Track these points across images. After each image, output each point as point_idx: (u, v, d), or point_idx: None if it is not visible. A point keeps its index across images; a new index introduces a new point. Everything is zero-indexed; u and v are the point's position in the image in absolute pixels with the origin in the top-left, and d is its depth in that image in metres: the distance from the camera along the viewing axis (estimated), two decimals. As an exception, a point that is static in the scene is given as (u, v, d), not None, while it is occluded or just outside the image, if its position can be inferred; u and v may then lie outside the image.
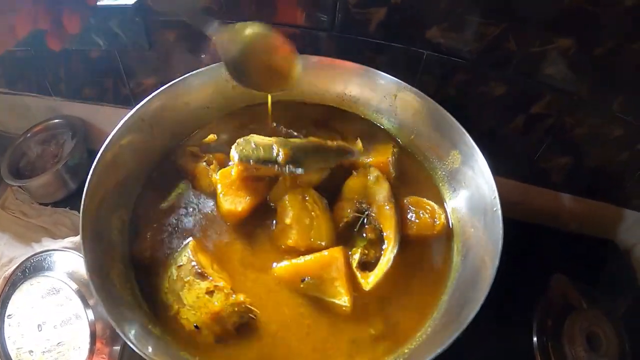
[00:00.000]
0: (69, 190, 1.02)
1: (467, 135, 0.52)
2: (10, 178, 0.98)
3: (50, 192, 1.01)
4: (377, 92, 0.62)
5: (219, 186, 0.51)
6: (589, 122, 0.77)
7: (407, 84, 0.60)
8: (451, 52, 0.72)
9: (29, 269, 0.82)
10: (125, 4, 0.82)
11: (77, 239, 0.86)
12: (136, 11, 0.81)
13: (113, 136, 0.52)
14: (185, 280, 0.44)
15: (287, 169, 0.48)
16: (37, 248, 0.90)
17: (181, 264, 0.45)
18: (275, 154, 0.49)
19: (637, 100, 0.73)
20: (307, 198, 0.48)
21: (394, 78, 0.61)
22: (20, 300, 0.78)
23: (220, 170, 0.52)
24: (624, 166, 0.83)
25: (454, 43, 0.71)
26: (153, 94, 0.59)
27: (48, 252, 0.82)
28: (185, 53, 0.85)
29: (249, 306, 0.42)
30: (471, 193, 0.52)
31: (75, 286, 0.78)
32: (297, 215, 0.46)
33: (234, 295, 0.42)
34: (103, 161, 0.48)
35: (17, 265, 0.83)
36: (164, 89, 0.60)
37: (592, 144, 0.81)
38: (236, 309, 0.42)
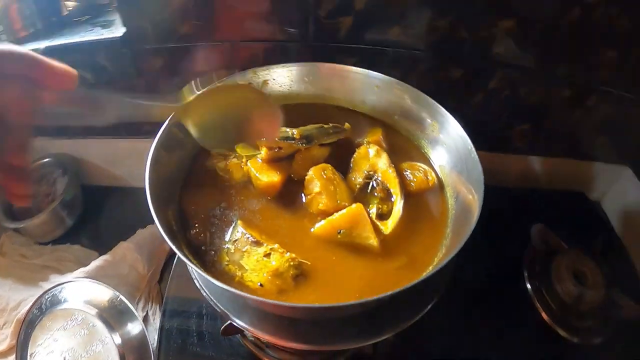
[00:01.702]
0: (66, 227, 1.15)
1: (440, 107, 0.72)
2: (6, 221, 1.07)
3: (49, 230, 1.12)
4: (364, 86, 0.81)
5: (252, 170, 0.68)
6: (540, 89, 1.01)
7: (383, 75, 0.79)
8: (412, 46, 0.94)
9: (46, 305, 0.90)
10: (113, 37, 0.93)
11: (89, 268, 1.01)
12: (123, 42, 0.92)
13: (156, 143, 0.67)
14: (243, 250, 0.60)
15: (301, 142, 0.68)
16: (46, 286, 0.99)
17: (236, 238, 0.60)
18: (290, 134, 0.68)
19: (576, 64, 0.97)
20: (326, 172, 0.66)
21: (376, 73, 0.79)
22: (42, 337, 0.87)
23: (249, 160, 0.69)
24: (578, 122, 1.08)
25: (413, 38, 0.92)
26: None
27: (62, 285, 0.93)
28: (173, 76, 0.99)
29: (301, 260, 0.59)
30: (451, 150, 0.71)
31: (95, 311, 0.89)
32: (324, 185, 0.64)
33: (287, 253, 0.58)
34: (151, 164, 0.65)
35: (32, 303, 0.91)
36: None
37: (547, 107, 1.05)
38: (291, 263, 0.57)
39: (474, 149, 0.64)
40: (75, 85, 0.46)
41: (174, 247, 0.52)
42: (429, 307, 0.63)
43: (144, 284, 1.07)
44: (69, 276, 1.01)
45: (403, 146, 0.78)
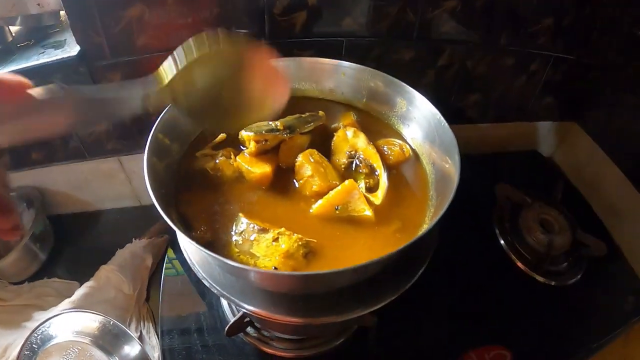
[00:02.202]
0: (40, 262, 1.15)
1: (405, 84, 0.81)
2: (-26, 265, 1.03)
3: (23, 268, 1.12)
4: (331, 75, 0.90)
5: (242, 165, 0.74)
6: (485, 60, 1.13)
7: (349, 62, 0.87)
8: (365, 34, 1.02)
9: (37, 344, 0.90)
10: (69, 56, 0.94)
11: (75, 297, 1.02)
12: (80, 60, 0.94)
13: (147, 154, 0.70)
14: (251, 239, 0.65)
15: (285, 133, 0.75)
16: (31, 325, 0.98)
17: (242, 230, 0.66)
18: (274, 126, 0.75)
19: (516, 33, 1.09)
20: (313, 156, 0.74)
21: (338, 60, 0.88)
22: (39, 376, 0.85)
23: (238, 156, 0.76)
24: (524, 87, 1.21)
25: (365, 27, 1.00)
26: (162, 112, 0.75)
27: (49, 321, 0.92)
28: None
29: (307, 239, 0.65)
30: (421, 122, 0.81)
31: (89, 339, 0.92)
32: (314, 168, 0.72)
33: (294, 235, 0.64)
34: (148, 174, 0.69)
35: (21, 345, 0.89)
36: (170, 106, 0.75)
37: (494, 76, 1.18)
38: (299, 243, 0.64)
39: (443, 119, 0.74)
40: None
41: (194, 244, 0.57)
42: (423, 268, 0.71)
43: (133, 304, 1.08)
44: (54, 310, 1.02)
45: (375, 126, 0.87)
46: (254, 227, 0.67)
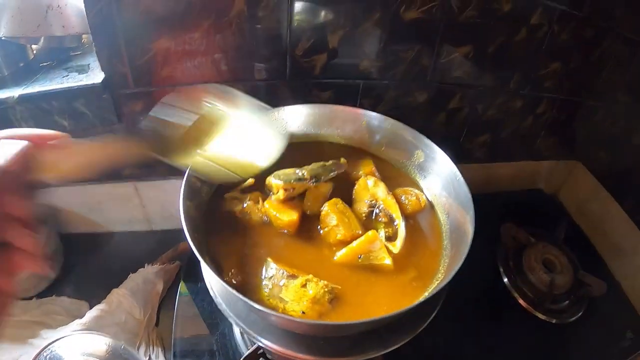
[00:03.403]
0: (50, 279, 1.21)
1: (424, 137, 0.92)
2: (-15, 279, 1.14)
3: (33, 285, 1.19)
4: (351, 122, 1.01)
5: (271, 211, 0.83)
6: (495, 103, 1.25)
7: (371, 111, 0.98)
8: (381, 77, 1.12)
9: None
10: (93, 83, 0.99)
11: (86, 319, 1.09)
12: (104, 88, 0.99)
13: (182, 196, 0.80)
14: (280, 285, 0.75)
15: (311, 181, 0.85)
16: (37, 343, 1.04)
17: (271, 275, 0.76)
18: (301, 175, 0.85)
19: (526, 78, 1.21)
20: (338, 205, 0.84)
21: (359, 109, 0.99)
22: (47, 398, 0.91)
23: (266, 201, 0.85)
24: (531, 128, 1.33)
25: (382, 70, 1.11)
26: None
27: (59, 341, 0.97)
28: None
29: (333, 285, 0.75)
30: (438, 175, 0.91)
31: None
32: (339, 218, 0.82)
33: (320, 282, 0.74)
34: (185, 218, 0.79)
35: None
36: None
37: (502, 118, 1.29)
38: (326, 289, 0.73)
39: (459, 173, 0.85)
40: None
41: (229, 288, 0.66)
42: (436, 311, 0.81)
43: (143, 329, 1.16)
44: (64, 330, 1.08)
45: (393, 174, 0.99)
46: (283, 273, 0.77)
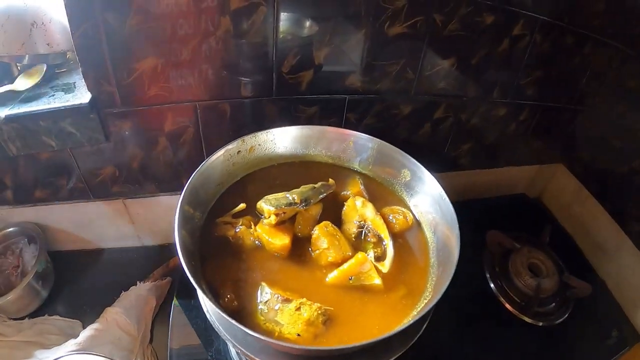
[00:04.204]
0: (42, 299, 1.25)
1: (411, 157, 0.97)
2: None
3: (25, 305, 1.22)
4: (338, 142, 1.06)
5: (263, 235, 0.88)
6: (479, 112, 1.30)
7: (357, 132, 1.03)
8: (366, 91, 1.17)
9: None
10: (80, 103, 1.00)
11: (80, 339, 1.12)
12: (91, 108, 1.01)
13: (177, 227, 0.82)
14: (275, 309, 0.80)
15: (301, 205, 0.90)
16: None
17: (266, 299, 0.81)
18: (291, 199, 0.90)
19: (508, 86, 1.27)
20: (328, 228, 0.89)
21: (347, 130, 1.03)
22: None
23: (257, 226, 0.90)
24: (514, 134, 1.39)
25: (367, 84, 1.15)
26: (187, 184, 0.88)
27: None
28: (142, 136, 1.12)
29: (326, 307, 0.80)
30: (424, 193, 0.97)
31: None
32: (329, 241, 0.87)
33: (314, 304, 0.79)
34: (180, 247, 0.83)
35: None
36: (194, 176, 0.90)
37: (486, 126, 1.35)
38: (319, 311, 0.78)
39: (445, 194, 0.91)
40: None
41: (226, 317, 0.71)
42: (426, 324, 0.87)
43: (137, 347, 1.20)
44: (59, 350, 1.11)
45: (380, 192, 1.05)
46: (277, 297, 0.82)
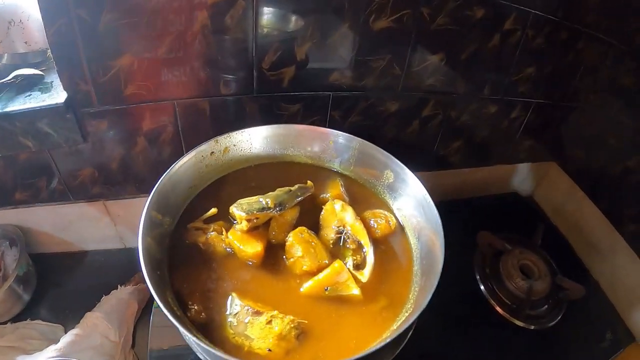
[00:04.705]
0: (24, 302, 1.19)
1: (394, 158, 0.88)
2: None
3: (6, 309, 1.16)
4: (318, 142, 0.96)
5: (235, 243, 0.79)
6: (468, 110, 1.21)
7: (338, 131, 0.94)
8: (351, 88, 1.09)
9: None
10: (56, 103, 0.95)
11: (61, 345, 1.06)
12: (67, 108, 0.96)
13: (142, 234, 0.75)
14: (245, 322, 0.71)
15: (276, 210, 0.81)
16: None
17: (236, 312, 0.72)
18: (265, 204, 0.80)
19: (500, 83, 1.18)
20: (303, 235, 0.80)
21: (327, 129, 0.94)
22: None
23: (229, 232, 0.81)
24: (506, 132, 1.30)
25: (352, 81, 1.07)
26: (154, 188, 0.81)
27: None
28: (120, 136, 1.06)
29: (299, 320, 0.71)
30: (407, 196, 0.88)
31: None
32: (304, 249, 0.78)
33: (286, 317, 0.71)
34: (144, 256, 0.74)
35: None
36: (162, 180, 0.83)
37: (477, 124, 1.26)
38: (292, 325, 0.70)
39: (429, 197, 0.81)
40: None
41: (188, 335, 0.63)
42: (411, 331, 0.80)
43: (119, 352, 1.14)
44: (40, 356, 1.05)
45: (362, 194, 0.95)
46: (248, 309, 0.73)
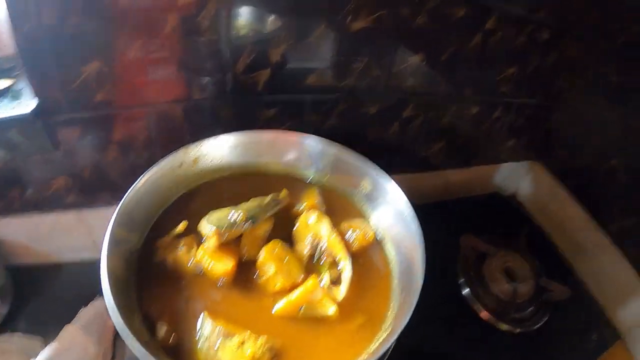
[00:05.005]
0: (1, 316, 1.13)
1: (373, 163, 0.82)
2: None
3: None
4: (293, 149, 0.90)
5: (205, 259, 0.73)
6: (450, 110, 1.16)
7: (312, 135, 0.88)
8: (329, 90, 1.02)
9: None
10: (23, 113, 0.89)
11: (41, 358, 0.98)
12: (35, 117, 0.90)
13: (105, 254, 0.71)
14: (216, 345, 0.66)
15: (248, 224, 0.75)
16: None
17: (207, 334, 0.67)
18: (236, 217, 0.75)
19: (481, 83, 1.12)
20: (277, 250, 0.75)
21: (298, 133, 0.89)
22: None
23: (199, 249, 0.75)
24: (488, 132, 1.25)
25: (331, 83, 1.01)
26: (119, 205, 0.77)
27: None
28: (93, 143, 1.01)
29: (273, 342, 0.66)
30: (387, 205, 0.82)
31: None
32: (277, 266, 0.72)
33: (260, 338, 0.65)
34: (108, 275, 0.69)
35: None
36: (127, 196, 0.79)
37: (459, 125, 1.20)
38: (265, 348, 0.65)
39: (410, 206, 0.76)
40: None
41: None
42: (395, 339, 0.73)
43: None
44: None
45: (339, 204, 0.89)
46: (219, 330, 0.68)
